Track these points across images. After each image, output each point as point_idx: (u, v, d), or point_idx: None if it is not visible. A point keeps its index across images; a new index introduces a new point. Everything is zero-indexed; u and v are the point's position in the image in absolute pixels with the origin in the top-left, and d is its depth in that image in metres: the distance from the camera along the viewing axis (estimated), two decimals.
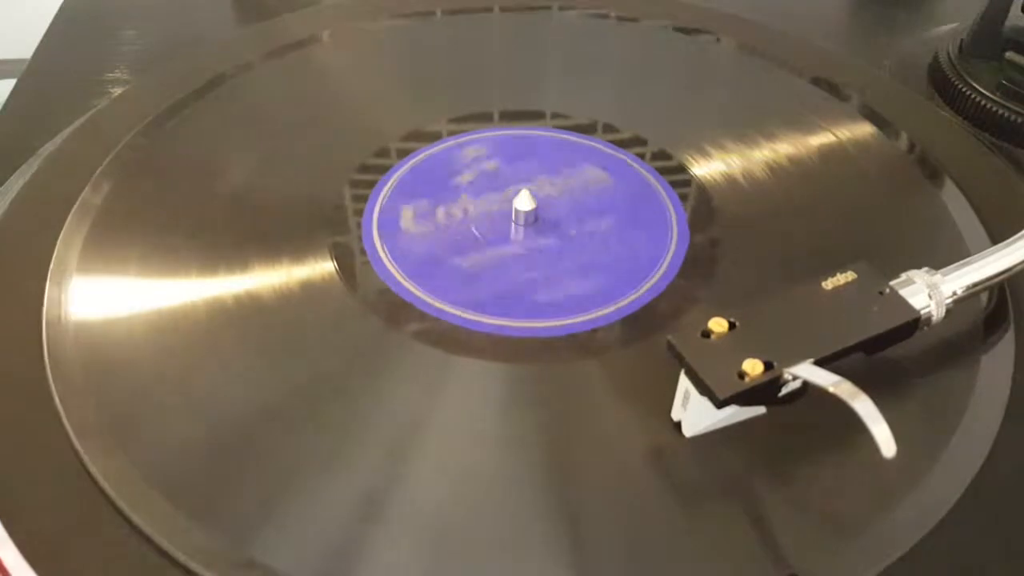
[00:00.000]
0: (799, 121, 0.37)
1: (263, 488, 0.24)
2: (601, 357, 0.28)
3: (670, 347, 0.24)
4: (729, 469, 0.25)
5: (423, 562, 0.23)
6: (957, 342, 0.28)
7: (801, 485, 0.25)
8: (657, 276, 0.31)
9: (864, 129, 0.37)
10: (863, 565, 0.23)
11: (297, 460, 0.25)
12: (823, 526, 0.24)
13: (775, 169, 0.35)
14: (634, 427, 0.26)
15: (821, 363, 0.24)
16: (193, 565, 0.22)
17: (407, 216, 0.33)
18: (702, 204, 0.34)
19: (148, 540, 0.23)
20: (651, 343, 0.28)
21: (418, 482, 0.25)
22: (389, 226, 0.32)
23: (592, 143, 0.36)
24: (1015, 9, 0.40)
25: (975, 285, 0.27)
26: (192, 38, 0.44)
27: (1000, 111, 0.39)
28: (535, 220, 0.32)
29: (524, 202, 0.32)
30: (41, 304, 0.29)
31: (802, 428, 0.26)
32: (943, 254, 0.28)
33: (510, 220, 0.33)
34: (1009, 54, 0.39)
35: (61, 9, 0.47)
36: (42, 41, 0.44)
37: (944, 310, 0.26)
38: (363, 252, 0.31)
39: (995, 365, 0.28)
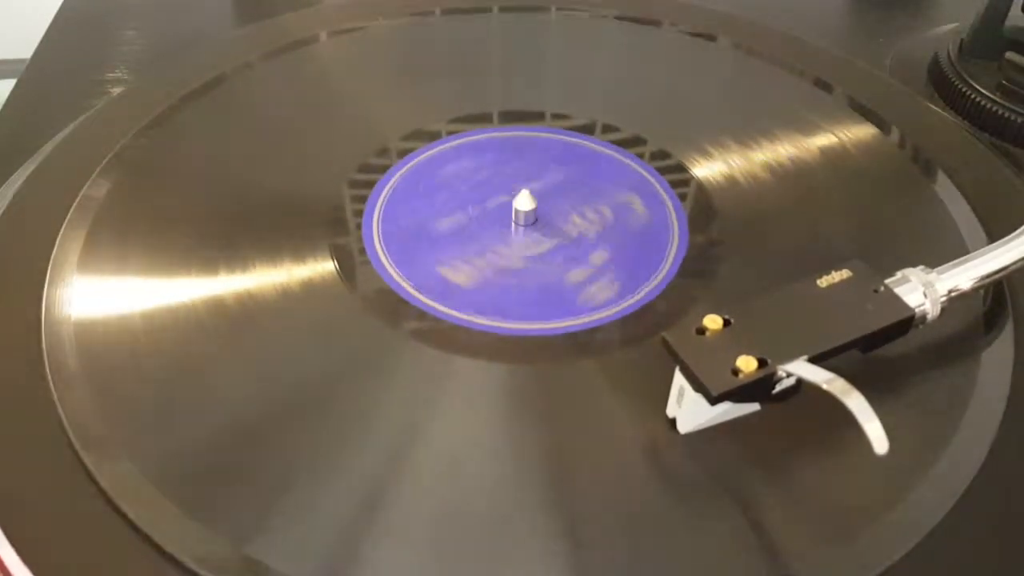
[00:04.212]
0: (799, 121, 0.37)
1: (263, 488, 0.24)
2: (600, 357, 0.28)
3: (665, 344, 0.25)
4: (725, 467, 0.25)
5: (423, 562, 0.23)
6: (956, 340, 0.28)
7: (799, 484, 0.25)
8: (657, 276, 0.31)
9: (863, 129, 0.37)
10: (863, 565, 0.23)
11: (297, 460, 0.25)
12: (822, 526, 0.24)
13: (775, 169, 0.35)
14: (634, 427, 0.26)
15: (815, 360, 0.24)
16: (193, 565, 0.22)
17: (407, 216, 0.33)
18: (702, 204, 0.34)
19: (148, 540, 0.23)
20: (651, 343, 0.28)
21: (417, 482, 0.25)
22: (389, 226, 0.32)
23: (591, 143, 0.36)
24: (1015, 9, 0.40)
25: (971, 283, 0.27)
26: (192, 38, 0.44)
27: (1000, 111, 0.39)
28: (535, 220, 0.32)
29: (524, 202, 0.32)
30: (40, 304, 0.29)
31: (800, 426, 0.26)
32: (942, 253, 0.28)
33: (510, 220, 0.33)
34: (1009, 54, 0.39)
35: (61, 9, 0.47)
36: (42, 41, 0.44)
37: (939, 308, 0.26)
38: (363, 252, 0.31)
39: (994, 363, 0.28)
